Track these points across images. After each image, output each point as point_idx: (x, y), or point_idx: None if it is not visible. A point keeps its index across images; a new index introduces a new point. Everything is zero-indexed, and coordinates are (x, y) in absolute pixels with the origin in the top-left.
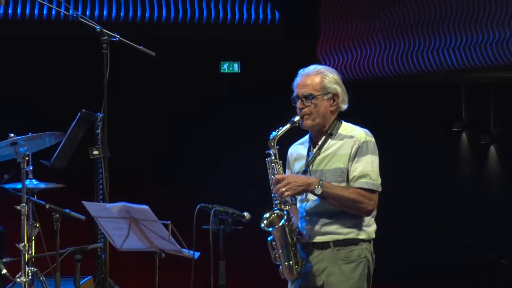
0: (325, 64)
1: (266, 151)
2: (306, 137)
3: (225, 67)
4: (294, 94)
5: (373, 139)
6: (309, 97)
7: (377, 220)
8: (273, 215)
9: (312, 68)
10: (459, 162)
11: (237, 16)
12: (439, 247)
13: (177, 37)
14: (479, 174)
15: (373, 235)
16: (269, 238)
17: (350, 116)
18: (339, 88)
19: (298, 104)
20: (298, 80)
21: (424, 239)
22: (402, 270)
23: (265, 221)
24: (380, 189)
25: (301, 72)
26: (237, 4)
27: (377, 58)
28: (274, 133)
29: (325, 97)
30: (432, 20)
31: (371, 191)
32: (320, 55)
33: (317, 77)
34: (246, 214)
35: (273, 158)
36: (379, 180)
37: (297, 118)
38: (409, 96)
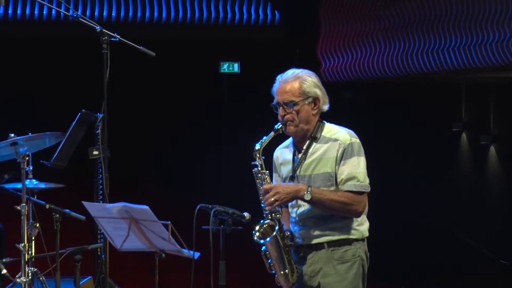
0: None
1: (252, 162)
2: (290, 140)
3: (225, 67)
4: (275, 101)
5: (357, 140)
6: (289, 104)
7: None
8: (264, 226)
9: (290, 73)
10: (459, 162)
11: (237, 16)
12: (439, 247)
13: (177, 37)
14: (479, 174)
15: (366, 234)
16: (262, 248)
17: (350, 116)
18: (319, 91)
19: (280, 111)
20: (276, 86)
21: (424, 239)
22: (401, 270)
23: (257, 233)
24: (368, 190)
25: (279, 78)
26: (237, 4)
27: (377, 58)
28: (258, 144)
29: (306, 102)
30: (432, 20)
31: (360, 193)
32: (320, 55)
33: (296, 83)
34: (246, 214)
35: (259, 169)
36: (367, 181)
37: (280, 126)
38: (408, 96)
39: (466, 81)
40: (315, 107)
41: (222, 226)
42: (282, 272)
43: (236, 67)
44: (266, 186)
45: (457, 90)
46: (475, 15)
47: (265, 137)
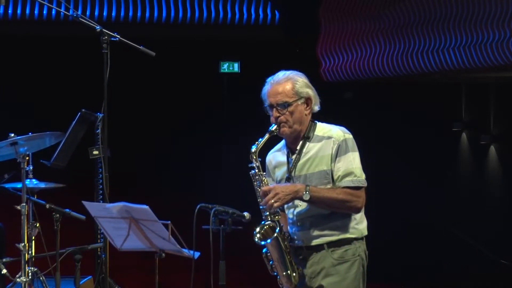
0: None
1: (249, 165)
2: (282, 143)
3: (225, 67)
4: (267, 103)
5: (350, 136)
6: (283, 104)
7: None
8: (265, 227)
9: (281, 75)
10: (459, 162)
11: (237, 16)
12: (439, 247)
13: (177, 37)
14: (479, 174)
15: (365, 232)
16: (263, 250)
17: (350, 116)
18: (310, 91)
19: (273, 112)
20: (268, 88)
21: (424, 239)
22: (401, 270)
23: (258, 235)
24: (365, 185)
25: (270, 80)
26: (237, 4)
27: (377, 58)
28: (254, 146)
29: (299, 102)
30: (432, 20)
31: (357, 188)
32: (320, 55)
33: (288, 84)
34: (246, 214)
35: (256, 171)
36: (363, 176)
37: (274, 127)
38: (409, 96)
39: (466, 81)
40: (308, 107)
41: (222, 226)
42: (284, 273)
43: (236, 67)
44: (264, 188)
45: (457, 90)
46: (475, 15)
47: (260, 139)
